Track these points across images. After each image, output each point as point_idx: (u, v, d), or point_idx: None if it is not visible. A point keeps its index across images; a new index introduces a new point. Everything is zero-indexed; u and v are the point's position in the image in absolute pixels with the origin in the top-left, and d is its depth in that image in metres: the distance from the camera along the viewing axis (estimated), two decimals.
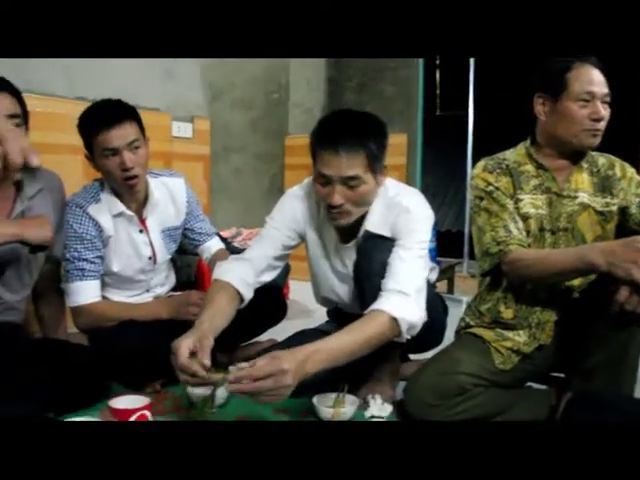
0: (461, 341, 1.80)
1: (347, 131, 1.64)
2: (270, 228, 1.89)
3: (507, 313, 1.73)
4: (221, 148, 3.92)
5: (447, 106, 5.67)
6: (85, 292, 1.96)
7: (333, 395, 1.79)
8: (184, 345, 1.48)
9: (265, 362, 1.36)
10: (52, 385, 1.72)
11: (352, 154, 1.62)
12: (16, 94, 1.68)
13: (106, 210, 1.98)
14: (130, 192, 1.95)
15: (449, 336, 1.99)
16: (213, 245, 2.28)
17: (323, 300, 2.07)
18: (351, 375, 1.91)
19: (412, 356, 2.18)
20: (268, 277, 1.89)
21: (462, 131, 4.47)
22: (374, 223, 1.77)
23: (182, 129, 3.30)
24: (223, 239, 2.48)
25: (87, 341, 2.04)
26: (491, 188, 1.73)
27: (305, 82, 4.66)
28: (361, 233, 1.79)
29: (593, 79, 1.64)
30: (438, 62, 5.81)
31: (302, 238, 1.93)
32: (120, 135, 1.85)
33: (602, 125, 1.66)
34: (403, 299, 1.59)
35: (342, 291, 1.96)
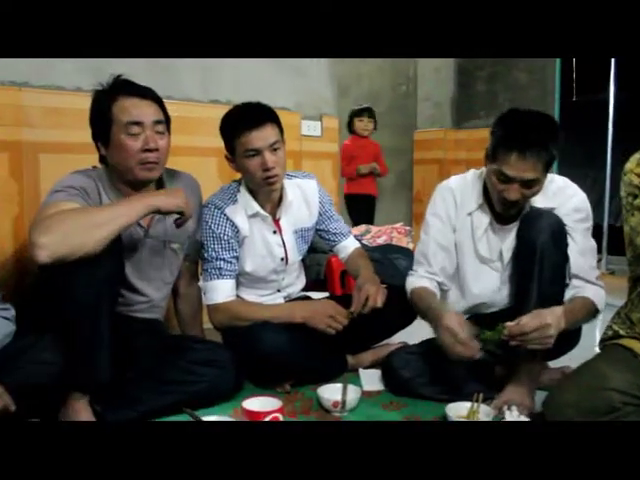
0: (609, 353, 1.66)
1: (534, 138, 1.68)
2: (430, 229, 1.99)
3: None
4: None
5: (584, 91, 5.34)
6: (222, 290, 2.02)
7: (467, 404, 1.73)
8: (457, 322, 1.70)
9: (530, 318, 1.60)
10: (190, 380, 1.80)
11: (536, 160, 1.68)
12: (159, 102, 1.77)
13: (242, 211, 2.03)
14: (269, 192, 1.99)
15: (585, 343, 1.95)
16: (349, 244, 2.28)
17: (467, 312, 2.00)
18: (486, 383, 1.85)
19: (550, 363, 2.07)
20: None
21: (601, 117, 4.22)
22: (539, 202, 1.84)
23: (311, 127, 3.32)
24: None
25: (221, 338, 2.10)
26: None
27: (434, 72, 4.54)
28: (526, 210, 1.85)
29: None
30: None
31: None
32: (262, 137, 1.89)
33: None
34: (601, 292, 1.81)
35: (487, 283, 1.95)
